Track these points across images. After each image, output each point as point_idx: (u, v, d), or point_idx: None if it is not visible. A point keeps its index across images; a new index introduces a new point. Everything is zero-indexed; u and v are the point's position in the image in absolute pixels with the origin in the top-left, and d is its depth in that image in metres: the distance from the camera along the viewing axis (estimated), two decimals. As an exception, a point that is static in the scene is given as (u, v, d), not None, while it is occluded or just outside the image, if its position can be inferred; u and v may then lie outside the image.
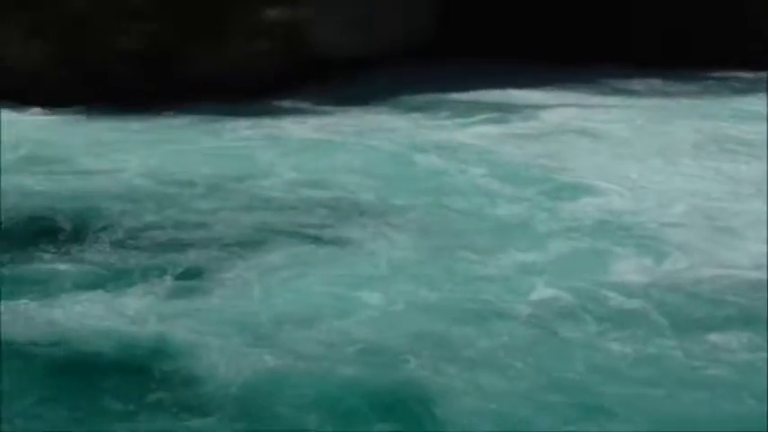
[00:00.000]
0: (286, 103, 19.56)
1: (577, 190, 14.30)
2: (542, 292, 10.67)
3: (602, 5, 24.16)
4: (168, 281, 10.97)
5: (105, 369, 9.08)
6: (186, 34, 19.53)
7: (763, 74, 22.35)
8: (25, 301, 10.33)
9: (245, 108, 18.68)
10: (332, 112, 19.25)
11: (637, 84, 22.41)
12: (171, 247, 11.99)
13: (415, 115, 19.04)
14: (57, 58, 19.10)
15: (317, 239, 12.39)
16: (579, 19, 24.08)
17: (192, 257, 11.64)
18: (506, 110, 19.46)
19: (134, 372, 9.01)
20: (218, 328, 9.79)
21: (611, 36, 23.72)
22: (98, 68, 19.04)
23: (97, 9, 19.24)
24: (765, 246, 12.02)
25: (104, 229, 12.45)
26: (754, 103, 20.32)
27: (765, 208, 13.40)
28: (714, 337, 9.66)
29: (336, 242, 12.26)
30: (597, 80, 22.19)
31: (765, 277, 11.12)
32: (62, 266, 11.24)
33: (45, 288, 10.63)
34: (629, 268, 11.40)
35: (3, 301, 10.24)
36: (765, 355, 9.27)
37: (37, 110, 18.47)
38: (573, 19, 24.10)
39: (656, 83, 22.51)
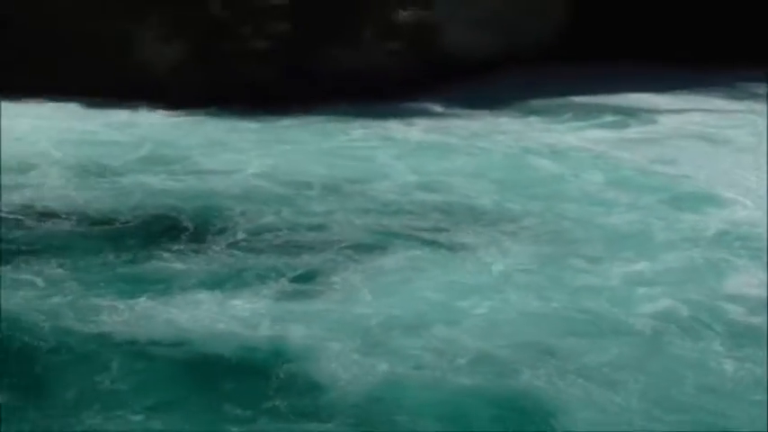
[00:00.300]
0: (413, 105, 19.54)
1: (696, 198, 14.05)
2: (655, 304, 10.53)
3: (737, 7, 23.61)
4: (283, 283, 11.15)
5: (223, 372, 9.26)
6: (319, 35, 19.67)
7: None
8: (144, 299, 10.59)
9: (373, 108, 18.73)
10: (456, 114, 19.19)
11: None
12: (286, 249, 12.17)
13: (534, 118, 18.92)
14: (192, 59, 19.37)
15: (430, 244, 12.44)
16: (713, 20, 23.55)
17: (306, 260, 11.80)
18: (627, 113, 19.21)
19: (251, 375, 9.18)
20: (331, 332, 9.92)
21: (744, 38, 23.15)
22: (232, 69, 19.26)
23: (233, 10, 19.52)
24: None
25: (223, 230, 12.68)
26: None
27: None
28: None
29: (449, 247, 12.30)
30: (725, 84, 21.68)
31: None
32: (181, 266, 11.51)
33: (164, 287, 10.89)
34: (748, 281, 11.18)
35: (124, 300, 10.53)
36: None
37: (160, 111, 18.87)
38: (705, 20, 23.58)
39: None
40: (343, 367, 9.22)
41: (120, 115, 18.33)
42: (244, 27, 19.46)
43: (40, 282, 10.98)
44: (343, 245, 12.34)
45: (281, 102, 18.54)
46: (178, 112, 18.48)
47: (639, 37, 23.17)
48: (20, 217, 13.07)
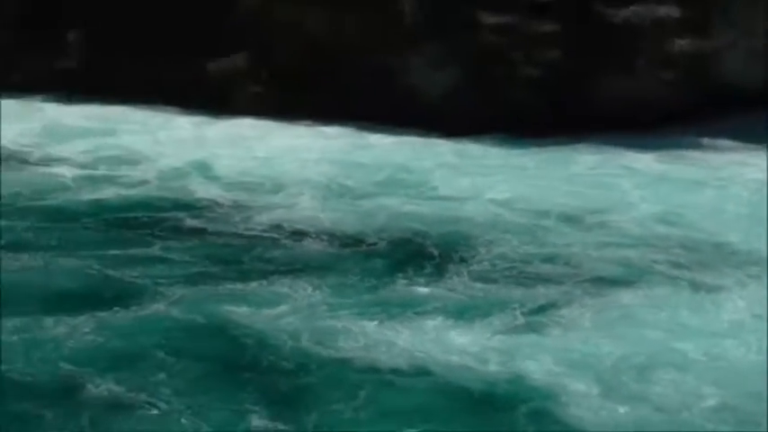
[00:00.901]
0: (679, 136, 19.06)
1: None
2: None
3: None
4: (517, 316, 11.21)
5: (466, 406, 9.37)
6: (590, 63, 19.47)
7: None
8: (385, 324, 10.83)
9: (638, 139, 18.30)
10: (719, 146, 18.66)
11: None
12: (522, 280, 12.26)
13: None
14: (463, 85, 19.40)
15: (670, 281, 12.27)
16: None
17: (542, 292, 11.85)
18: None
19: (494, 411, 9.29)
20: (568, 370, 9.93)
21: None
22: (501, 96, 19.21)
23: (504, 37, 19.52)
24: None
25: (465, 259, 12.86)
26: None
27: None
28: None
29: (689, 286, 12.08)
30: None
31: None
32: (423, 292, 11.78)
33: (405, 314, 11.12)
34: None
35: (365, 324, 10.84)
36: None
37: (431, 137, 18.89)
38: None
39: None
40: (587, 409, 9.19)
41: (363, 138, 18.83)
42: (515, 53, 19.52)
43: (287, 300, 11.46)
44: (579, 278, 12.33)
45: (549, 129, 18.41)
46: (448, 138, 18.61)
47: None
48: (275, 236, 13.69)
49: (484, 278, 12.27)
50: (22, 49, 21.76)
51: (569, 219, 14.54)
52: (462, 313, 11.19)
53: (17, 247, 12.95)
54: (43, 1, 21.80)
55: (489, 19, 19.48)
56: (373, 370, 9.90)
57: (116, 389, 9.46)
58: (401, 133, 18.61)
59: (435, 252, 13.08)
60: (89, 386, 9.49)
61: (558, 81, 19.24)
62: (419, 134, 18.63)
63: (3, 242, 13.08)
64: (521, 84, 19.31)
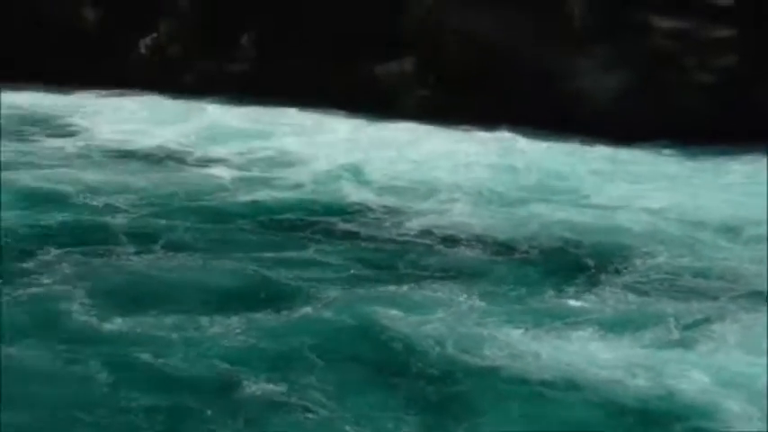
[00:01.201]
0: None
1: None
2: None
3: None
4: (671, 330, 11.04)
5: (619, 421, 9.26)
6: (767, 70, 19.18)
7: None
8: (534, 335, 10.77)
9: None
10: None
11: None
12: (678, 293, 12.05)
13: None
14: (632, 91, 19.18)
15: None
16: None
17: (696, 307, 11.61)
18: None
19: (650, 427, 9.17)
20: (720, 387, 9.73)
21: None
22: (672, 103, 18.91)
23: (677, 41, 19.17)
24: None
25: (619, 270, 12.70)
26: None
27: None
28: None
29: None
30: None
31: None
32: (575, 304, 11.70)
33: (555, 325, 11.06)
34: None
35: (513, 333, 10.80)
36: None
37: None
38: None
39: None
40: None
41: (516, 142, 18.78)
42: (688, 59, 19.16)
43: (438, 306, 11.52)
44: (734, 293, 12.05)
45: (714, 136, 18.00)
46: (614, 144, 18.44)
47: None
48: (427, 242, 13.78)
49: (637, 290, 12.10)
50: (196, 51, 22.44)
51: (726, 230, 14.21)
52: (613, 326, 11.03)
53: (176, 246, 13.35)
54: (218, 5, 22.40)
55: (663, 23, 19.17)
56: (522, 381, 9.86)
57: (270, 389, 9.65)
58: (563, 139, 18.52)
59: (590, 263, 12.95)
60: (245, 385, 9.72)
61: (732, 88, 18.74)
62: (583, 140, 18.49)
63: (162, 242, 13.48)
64: (693, 90, 18.90)
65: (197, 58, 22.43)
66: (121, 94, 22.20)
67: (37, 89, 22.40)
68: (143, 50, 22.92)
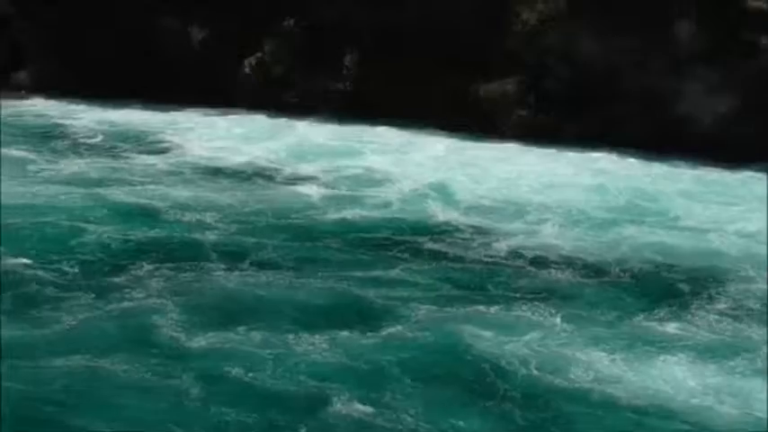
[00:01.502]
0: None
1: None
2: None
3: None
4: (762, 358, 10.82)
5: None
6: None
7: None
8: (622, 359, 10.66)
9: None
10: None
11: None
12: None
13: None
14: (740, 113, 19.01)
15: None
16: None
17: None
18: None
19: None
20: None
21: None
22: None
23: None
24: None
25: (711, 297, 12.53)
26: None
27: None
28: None
29: None
30: None
31: None
32: (662, 329, 11.52)
33: (644, 350, 10.92)
34: None
35: (600, 357, 10.67)
36: None
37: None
38: None
39: None
40: None
41: (594, 161, 18.62)
42: None
43: (528, 328, 11.44)
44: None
45: None
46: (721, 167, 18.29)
47: None
48: (517, 263, 13.70)
49: (729, 316, 11.92)
50: (300, 70, 22.62)
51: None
52: (703, 353, 10.90)
53: (264, 264, 13.44)
54: (323, 27, 22.54)
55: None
56: (612, 406, 9.75)
57: (362, 409, 9.68)
58: (665, 161, 18.39)
59: (684, 288, 12.79)
60: (336, 403, 9.75)
61: None
62: (687, 163, 18.35)
63: (251, 258, 13.57)
64: None
65: (300, 78, 22.61)
66: (225, 113, 22.32)
67: (134, 106, 22.65)
68: (247, 70, 23.14)
